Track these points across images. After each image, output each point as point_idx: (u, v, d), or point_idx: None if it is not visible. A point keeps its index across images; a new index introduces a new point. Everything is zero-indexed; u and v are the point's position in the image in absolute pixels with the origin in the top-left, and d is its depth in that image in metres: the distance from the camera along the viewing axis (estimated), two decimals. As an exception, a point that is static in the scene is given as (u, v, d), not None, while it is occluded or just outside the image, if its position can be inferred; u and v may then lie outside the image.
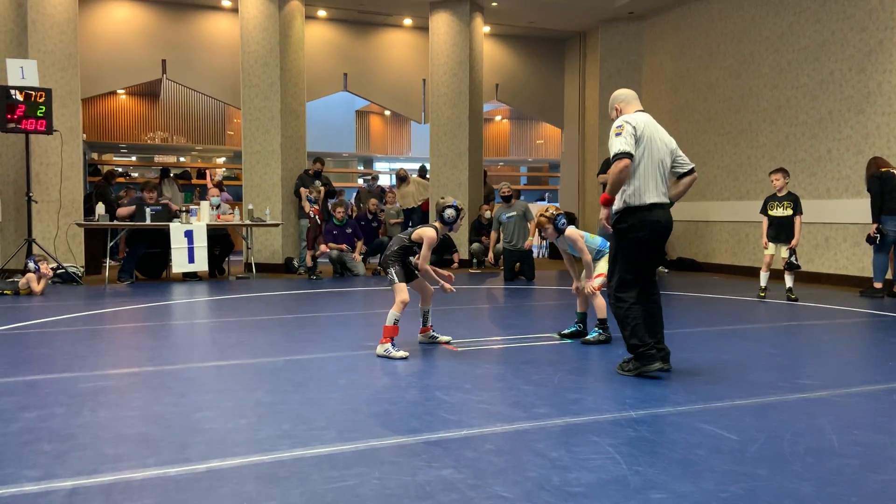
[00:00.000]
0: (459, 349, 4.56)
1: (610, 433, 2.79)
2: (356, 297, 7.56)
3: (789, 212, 7.08)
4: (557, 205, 16.41)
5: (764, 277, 7.37)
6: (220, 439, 2.71)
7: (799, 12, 9.18)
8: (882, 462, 2.49)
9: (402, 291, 4.39)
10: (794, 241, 7.06)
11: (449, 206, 4.54)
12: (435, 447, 2.62)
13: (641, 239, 3.77)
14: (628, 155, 3.68)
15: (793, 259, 7.05)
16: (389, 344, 4.30)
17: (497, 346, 4.70)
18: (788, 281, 7.19)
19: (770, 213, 7.22)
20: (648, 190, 3.76)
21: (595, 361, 4.21)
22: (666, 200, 3.85)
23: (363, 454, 2.55)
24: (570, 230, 4.87)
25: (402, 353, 4.26)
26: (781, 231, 7.13)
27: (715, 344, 4.79)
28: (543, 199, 22.00)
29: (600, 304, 4.83)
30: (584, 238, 4.89)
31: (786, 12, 9.38)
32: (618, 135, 3.75)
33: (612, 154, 3.75)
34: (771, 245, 7.21)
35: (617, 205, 3.80)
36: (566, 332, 5.04)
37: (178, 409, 3.14)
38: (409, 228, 4.67)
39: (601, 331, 4.81)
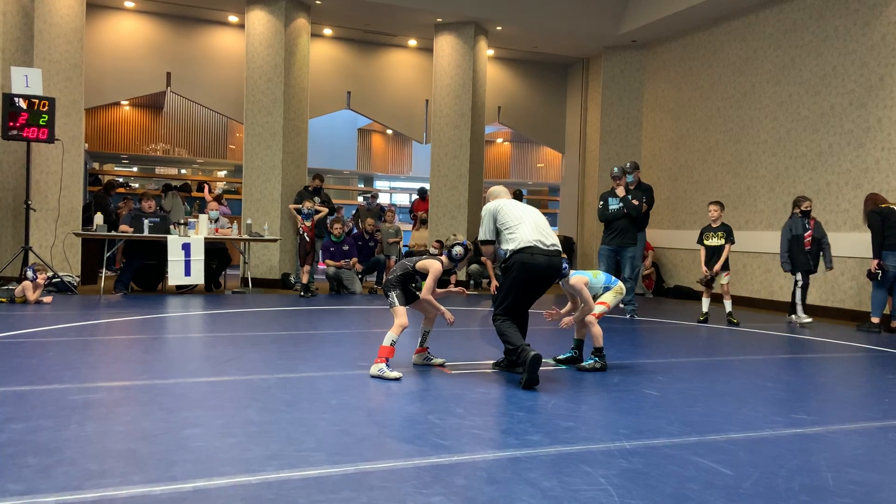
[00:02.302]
0: (453, 372, 4.53)
1: (603, 464, 2.76)
2: (352, 316, 7.53)
3: (722, 241, 7.65)
4: (555, 229, 16.43)
5: (705, 303, 7.86)
6: (207, 458, 2.68)
7: (801, 46, 9.26)
8: (876, 503, 2.46)
9: (402, 315, 4.39)
10: (716, 266, 7.61)
11: (458, 244, 4.61)
12: (425, 473, 2.59)
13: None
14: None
15: (722, 281, 7.67)
16: (384, 364, 4.27)
17: (491, 370, 4.66)
18: (727, 306, 7.73)
19: (706, 242, 7.79)
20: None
21: (590, 389, 4.18)
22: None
23: (352, 478, 2.51)
24: (575, 279, 4.80)
25: (395, 374, 4.23)
26: (717, 259, 7.68)
27: (711, 375, 4.76)
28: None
29: (597, 332, 4.81)
30: (588, 281, 4.86)
31: (787, 45, 9.46)
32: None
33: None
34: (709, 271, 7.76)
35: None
36: (562, 357, 5.02)
37: (166, 425, 3.11)
38: (415, 257, 4.71)
39: (597, 359, 4.78)
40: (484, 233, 4.56)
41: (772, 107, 9.68)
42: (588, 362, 4.82)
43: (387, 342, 4.32)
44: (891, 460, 2.96)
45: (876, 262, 7.24)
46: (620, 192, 7.95)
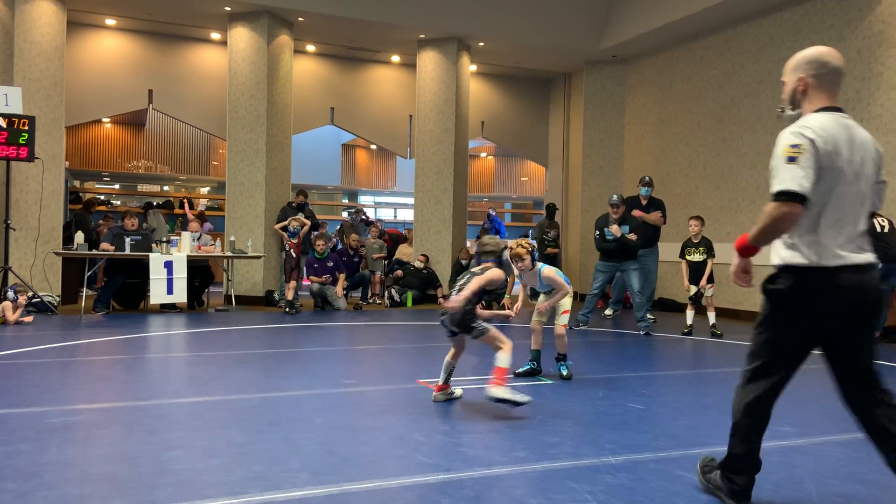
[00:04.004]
0: (439, 389, 4.51)
1: (589, 479, 2.76)
2: (336, 333, 7.49)
3: (704, 256, 7.75)
4: (533, 241, 16.49)
5: (689, 315, 7.92)
6: (189, 480, 2.64)
7: (778, 60, 9.40)
8: (861, 514, 2.47)
9: (500, 334, 4.00)
10: (702, 282, 7.72)
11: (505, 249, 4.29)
12: (410, 492, 2.57)
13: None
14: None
15: (697, 296, 7.75)
16: (507, 386, 3.89)
17: (477, 386, 4.65)
18: (711, 318, 7.80)
19: (687, 258, 7.87)
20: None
21: (575, 404, 4.17)
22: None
23: (336, 499, 2.49)
24: (547, 269, 4.86)
25: (525, 398, 3.83)
26: (699, 274, 7.77)
27: (696, 388, 4.78)
28: (527, 236, 22.10)
29: (564, 341, 4.94)
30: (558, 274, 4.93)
31: (766, 60, 9.60)
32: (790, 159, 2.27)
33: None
34: (693, 287, 7.80)
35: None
36: (521, 370, 5.01)
37: (148, 447, 3.06)
38: (471, 274, 4.09)
39: (568, 364, 4.96)
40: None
41: (751, 120, 9.80)
42: (564, 370, 4.95)
43: (504, 363, 3.89)
44: (874, 472, 2.98)
45: None
46: (615, 230, 7.76)
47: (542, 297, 5.09)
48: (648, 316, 8.14)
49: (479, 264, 4.20)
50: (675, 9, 10.14)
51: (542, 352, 5.13)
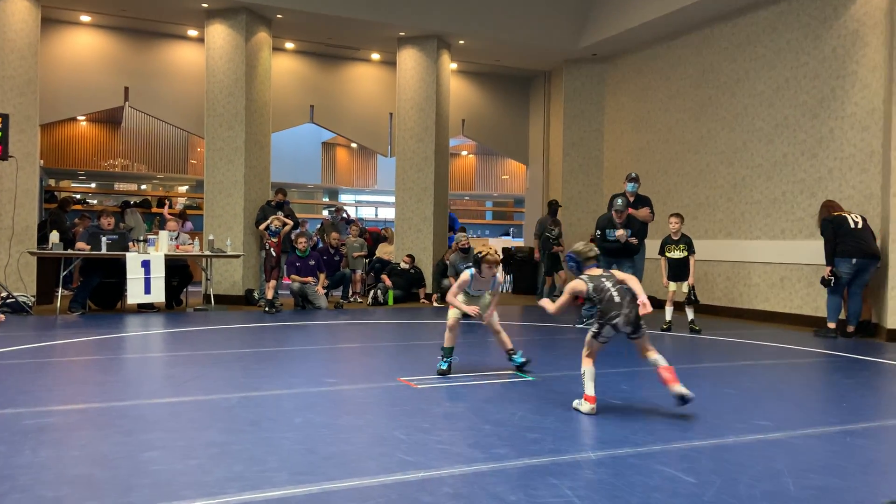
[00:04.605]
0: (419, 386, 4.50)
1: (569, 475, 2.76)
2: (317, 332, 7.45)
3: (684, 253, 7.80)
4: (520, 240, 16.53)
5: (668, 311, 7.96)
6: (167, 481, 2.61)
7: (755, 59, 9.50)
8: (836, 506, 2.50)
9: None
10: (689, 280, 7.78)
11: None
12: (391, 490, 2.56)
13: None
14: None
15: (692, 295, 7.75)
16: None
17: (458, 384, 4.65)
18: (690, 314, 7.85)
19: (667, 255, 7.92)
20: None
21: (556, 400, 4.18)
22: None
23: (316, 498, 2.47)
24: (500, 273, 5.16)
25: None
26: (679, 270, 7.84)
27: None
28: (508, 234, 22.14)
29: (505, 336, 5.14)
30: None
31: (742, 59, 9.69)
32: None
33: None
34: (672, 283, 7.87)
35: None
36: (443, 367, 4.95)
37: (124, 448, 3.02)
38: (614, 277, 4.01)
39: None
40: None
41: (728, 118, 9.90)
42: (519, 361, 5.13)
43: (666, 362, 3.91)
44: (850, 464, 3.02)
45: (829, 269, 7.42)
46: (620, 234, 7.73)
47: (487, 297, 5.14)
48: None
49: (580, 270, 4.07)
50: (654, 7, 10.20)
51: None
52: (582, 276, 4.03)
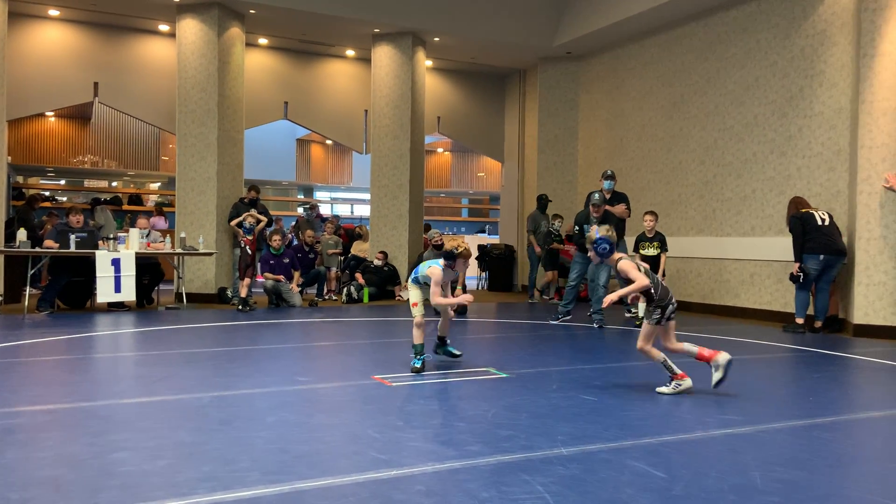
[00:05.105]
0: (394, 384, 4.50)
1: (541, 471, 2.78)
2: (291, 330, 7.41)
3: (658, 251, 7.98)
4: (496, 237, 16.59)
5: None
6: (135, 483, 2.58)
7: (726, 58, 9.62)
8: (802, 500, 2.55)
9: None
10: (659, 275, 7.75)
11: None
12: (362, 489, 2.56)
13: None
14: None
15: None
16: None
17: (433, 381, 4.65)
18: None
19: (641, 251, 8.07)
20: None
21: (529, 397, 4.21)
22: None
23: (287, 497, 2.46)
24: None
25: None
26: (652, 267, 7.83)
27: (646, 378, 4.86)
28: (484, 231, 22.20)
29: (448, 322, 5.37)
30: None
31: (713, 58, 9.81)
32: None
33: None
34: None
35: None
36: (416, 365, 4.94)
37: (92, 449, 2.98)
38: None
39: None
40: None
41: (700, 117, 10.01)
42: (450, 350, 5.38)
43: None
44: (815, 458, 3.08)
45: (797, 265, 7.55)
46: (595, 232, 7.81)
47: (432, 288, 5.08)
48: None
49: (611, 253, 4.49)
50: (627, 6, 10.28)
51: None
52: (625, 259, 4.41)
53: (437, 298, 4.96)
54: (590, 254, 4.54)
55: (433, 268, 5.01)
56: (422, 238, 12.00)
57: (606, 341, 6.86)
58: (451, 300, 5.13)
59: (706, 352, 4.29)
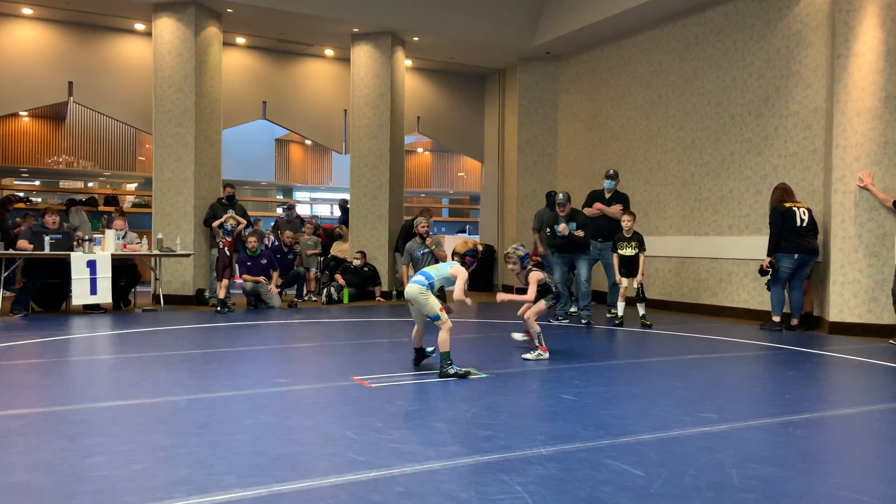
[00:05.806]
0: (372, 385, 4.48)
1: (519, 471, 2.78)
2: (270, 331, 7.36)
3: (636, 251, 7.98)
4: (477, 237, 16.59)
5: (620, 307, 8.14)
6: (109, 487, 2.54)
7: (703, 59, 9.70)
8: (777, 496, 2.57)
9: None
10: (638, 277, 7.94)
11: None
12: (341, 491, 2.54)
13: None
14: None
15: (639, 292, 7.94)
16: None
17: (412, 382, 4.64)
18: (641, 309, 8.03)
19: (619, 252, 8.08)
20: None
21: (509, 397, 4.21)
22: None
23: (264, 501, 2.44)
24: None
25: None
26: (630, 267, 8.02)
27: (625, 377, 4.89)
28: (464, 231, 22.20)
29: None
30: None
31: (691, 58, 9.89)
32: None
33: None
34: (623, 279, 8.05)
35: None
36: (459, 371, 4.93)
37: (66, 454, 2.94)
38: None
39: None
40: None
41: (678, 117, 10.09)
42: (431, 349, 5.36)
43: None
44: (791, 455, 3.11)
45: (768, 259, 7.60)
46: (563, 229, 7.91)
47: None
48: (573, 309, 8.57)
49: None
50: (605, 7, 10.33)
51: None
52: (536, 271, 5.76)
53: (461, 294, 5.04)
54: (512, 266, 5.66)
55: (455, 267, 5.07)
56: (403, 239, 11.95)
57: (585, 341, 6.89)
58: (467, 297, 5.19)
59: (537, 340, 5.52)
